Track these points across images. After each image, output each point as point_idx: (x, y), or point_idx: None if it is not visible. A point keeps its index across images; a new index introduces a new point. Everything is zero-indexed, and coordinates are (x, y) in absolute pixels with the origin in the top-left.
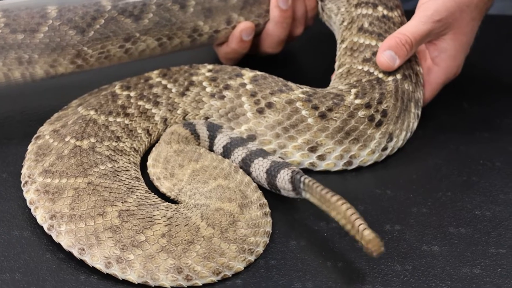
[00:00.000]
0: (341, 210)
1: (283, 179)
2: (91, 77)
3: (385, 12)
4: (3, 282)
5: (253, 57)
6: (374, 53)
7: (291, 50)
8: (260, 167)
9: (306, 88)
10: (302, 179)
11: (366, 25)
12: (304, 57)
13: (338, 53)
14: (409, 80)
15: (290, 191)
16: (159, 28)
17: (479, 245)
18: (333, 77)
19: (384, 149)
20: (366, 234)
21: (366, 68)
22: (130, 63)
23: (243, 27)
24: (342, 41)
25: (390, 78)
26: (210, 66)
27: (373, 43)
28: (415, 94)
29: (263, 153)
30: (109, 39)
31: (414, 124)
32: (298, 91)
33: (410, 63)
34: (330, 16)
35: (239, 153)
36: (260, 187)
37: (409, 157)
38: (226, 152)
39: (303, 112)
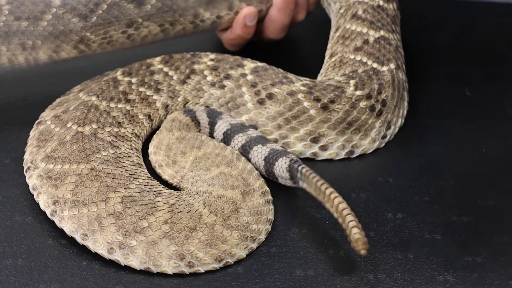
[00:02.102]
0: (334, 204)
1: (280, 168)
2: (92, 63)
3: (381, 2)
4: (5, 268)
5: (255, 44)
6: (365, 41)
7: (294, 38)
8: (258, 154)
9: (306, 81)
10: (299, 168)
11: (360, 12)
12: (307, 45)
13: (331, 42)
14: (402, 69)
15: (288, 179)
16: (162, 14)
17: (481, 234)
18: (325, 66)
19: (384, 137)
20: (354, 232)
21: (358, 58)
22: (133, 49)
23: (247, 12)
24: (337, 29)
25: (385, 68)
26: (212, 55)
27: (364, 30)
28: (406, 84)
29: (262, 140)
30: (112, 25)
31: (405, 111)
32: (299, 83)
33: (400, 54)
34: (330, 3)
35: (239, 139)
36: (263, 174)
37: (411, 146)
38: (227, 139)
39: (305, 104)
